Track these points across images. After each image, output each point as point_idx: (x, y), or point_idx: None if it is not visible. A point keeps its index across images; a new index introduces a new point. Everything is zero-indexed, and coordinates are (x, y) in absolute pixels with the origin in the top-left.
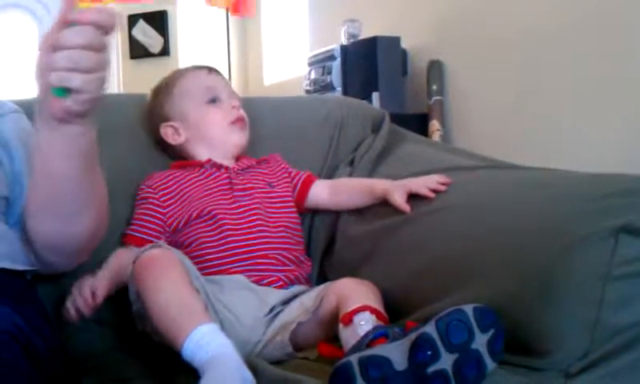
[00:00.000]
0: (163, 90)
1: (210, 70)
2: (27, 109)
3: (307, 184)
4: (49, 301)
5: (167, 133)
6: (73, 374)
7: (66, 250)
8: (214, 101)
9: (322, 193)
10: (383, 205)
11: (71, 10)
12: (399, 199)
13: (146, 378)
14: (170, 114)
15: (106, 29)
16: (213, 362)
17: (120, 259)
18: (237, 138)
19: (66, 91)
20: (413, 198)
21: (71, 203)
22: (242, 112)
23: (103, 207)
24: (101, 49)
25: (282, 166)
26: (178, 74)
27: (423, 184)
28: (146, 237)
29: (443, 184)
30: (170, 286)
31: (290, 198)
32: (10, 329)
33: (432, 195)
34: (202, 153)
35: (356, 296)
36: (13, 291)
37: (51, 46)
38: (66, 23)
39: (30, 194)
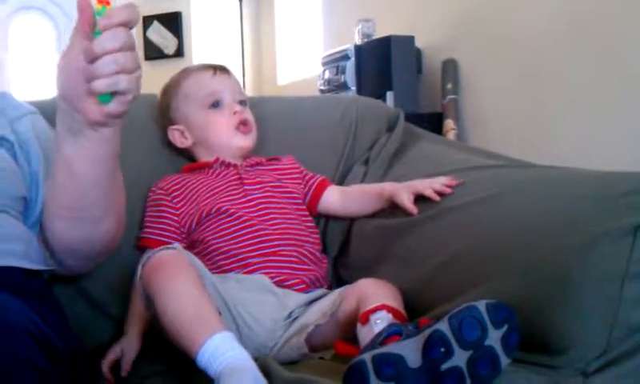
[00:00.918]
0: (169, 90)
1: (216, 70)
2: (43, 110)
3: (321, 189)
4: (66, 301)
5: (175, 136)
6: (93, 374)
7: (85, 254)
8: (216, 105)
9: (334, 200)
10: (398, 207)
11: (91, 17)
12: (406, 200)
13: (162, 375)
14: (176, 117)
15: (130, 25)
16: (228, 371)
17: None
18: (240, 142)
19: (111, 96)
20: (424, 199)
21: (96, 208)
22: (245, 115)
23: (122, 211)
24: (134, 46)
25: (296, 166)
26: (184, 75)
27: (429, 185)
28: (163, 239)
29: (449, 186)
30: (180, 291)
31: (298, 196)
32: (26, 325)
33: (437, 198)
34: (209, 155)
35: (375, 296)
36: (31, 291)
37: (86, 57)
38: (88, 31)
39: (55, 201)
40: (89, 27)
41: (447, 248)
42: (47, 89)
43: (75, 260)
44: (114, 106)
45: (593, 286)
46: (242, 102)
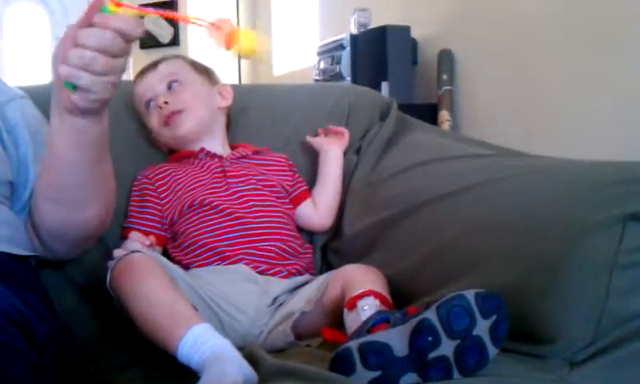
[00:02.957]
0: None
1: (143, 71)
2: (35, 95)
3: (299, 199)
4: (52, 288)
5: (154, 139)
6: (78, 360)
7: (70, 237)
8: (147, 106)
9: (310, 215)
10: (389, 196)
11: (97, 10)
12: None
13: (140, 364)
14: None
15: (127, 37)
16: (211, 359)
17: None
18: (177, 131)
19: (74, 86)
20: (416, 188)
21: (77, 191)
22: (170, 106)
23: (110, 199)
24: (117, 54)
25: (285, 162)
26: (133, 84)
27: None
28: (147, 229)
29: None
30: (151, 291)
31: (281, 189)
32: (7, 310)
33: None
34: (180, 147)
35: (361, 282)
36: (15, 276)
37: (71, 40)
38: (89, 22)
39: (40, 178)
40: (89, 18)
41: (437, 236)
42: (41, 75)
43: (61, 244)
44: (75, 98)
45: (581, 275)
46: (169, 85)
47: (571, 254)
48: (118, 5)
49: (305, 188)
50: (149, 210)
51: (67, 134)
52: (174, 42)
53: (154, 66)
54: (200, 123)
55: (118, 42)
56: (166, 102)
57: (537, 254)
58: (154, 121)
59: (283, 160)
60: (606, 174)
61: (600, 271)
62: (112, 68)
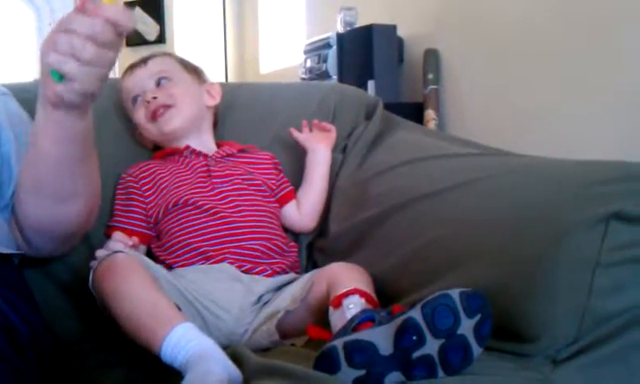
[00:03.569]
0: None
1: (132, 66)
2: (18, 93)
3: (283, 200)
4: (36, 286)
5: (141, 140)
6: (61, 360)
7: (53, 234)
8: (134, 101)
9: (294, 217)
10: (374, 195)
11: (89, 1)
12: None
13: (125, 364)
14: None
15: (120, 29)
16: (195, 358)
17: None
18: (164, 127)
19: (62, 77)
20: (401, 187)
21: (60, 187)
22: (157, 101)
23: (95, 196)
24: (107, 45)
25: (271, 161)
26: (121, 80)
27: None
28: (132, 227)
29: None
30: (133, 291)
31: (266, 188)
32: None
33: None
34: (167, 144)
35: (346, 280)
36: None
37: (62, 27)
38: (83, 10)
39: (22, 173)
40: (83, 8)
41: (421, 235)
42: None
43: (44, 240)
44: (60, 88)
45: (564, 274)
46: (158, 81)
47: (554, 253)
48: None
49: (289, 189)
50: (133, 209)
51: (51, 128)
52: (160, 39)
53: (143, 62)
54: (188, 120)
55: (109, 31)
56: (154, 98)
57: (520, 252)
58: (139, 115)
59: (268, 158)
60: (589, 173)
61: (583, 270)
62: (100, 59)
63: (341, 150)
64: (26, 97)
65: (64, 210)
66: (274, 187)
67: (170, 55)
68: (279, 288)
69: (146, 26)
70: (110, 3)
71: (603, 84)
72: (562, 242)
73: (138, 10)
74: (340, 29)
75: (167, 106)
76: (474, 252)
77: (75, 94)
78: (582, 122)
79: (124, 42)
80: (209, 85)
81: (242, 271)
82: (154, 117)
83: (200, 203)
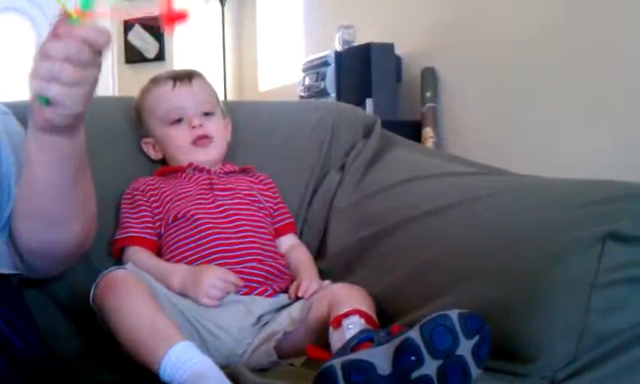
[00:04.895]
0: (138, 103)
1: (176, 80)
2: (17, 111)
3: (280, 232)
4: (35, 306)
5: (148, 149)
6: (60, 379)
7: (50, 256)
8: (175, 120)
9: (281, 246)
10: (372, 214)
11: (64, 22)
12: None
13: (130, 381)
14: (146, 130)
15: (95, 46)
16: (193, 378)
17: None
18: (200, 157)
19: (47, 101)
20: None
21: (55, 210)
22: (203, 130)
23: (91, 217)
24: (86, 64)
25: (271, 183)
26: (148, 88)
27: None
28: (146, 236)
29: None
30: (133, 308)
31: (265, 207)
32: None
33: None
34: (174, 163)
35: (347, 300)
36: None
37: (41, 54)
38: (58, 35)
39: (17, 196)
40: (57, 32)
41: (419, 254)
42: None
43: (40, 262)
44: (48, 113)
45: (561, 294)
46: (207, 113)
47: (551, 273)
48: (85, 15)
49: (288, 221)
50: (145, 218)
51: (43, 152)
52: (160, 56)
53: (187, 78)
54: (219, 155)
55: (85, 51)
56: (200, 125)
57: (518, 272)
58: (181, 135)
59: (266, 180)
60: (585, 193)
61: (580, 290)
62: (82, 78)
63: (339, 169)
64: (27, 115)
65: (60, 233)
66: (272, 210)
67: (205, 79)
68: (279, 309)
69: (145, 43)
70: (84, 21)
71: (601, 103)
72: (559, 262)
73: (137, 28)
74: (338, 47)
75: (210, 139)
76: (472, 271)
77: (63, 116)
78: (580, 141)
79: (122, 58)
80: (228, 120)
81: (242, 294)
82: (195, 143)
83: (198, 217)
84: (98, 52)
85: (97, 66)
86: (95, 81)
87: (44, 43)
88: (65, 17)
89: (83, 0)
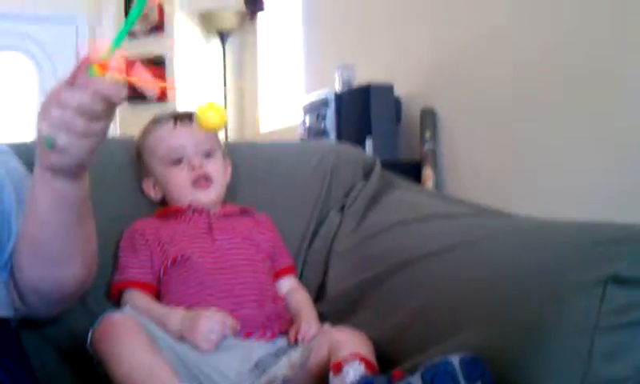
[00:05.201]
0: (139, 142)
1: (177, 120)
2: (20, 153)
3: (280, 274)
4: (32, 349)
5: (149, 188)
6: None
7: (51, 294)
8: (175, 161)
9: (284, 291)
10: (372, 256)
11: (84, 71)
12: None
13: None
14: (146, 170)
15: (110, 101)
16: None
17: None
18: (201, 198)
19: (52, 145)
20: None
21: (56, 250)
22: (204, 170)
23: (92, 258)
24: (98, 118)
25: (270, 226)
26: (149, 128)
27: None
28: (146, 279)
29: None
30: (131, 353)
31: (264, 248)
32: None
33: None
34: (174, 204)
35: (347, 345)
36: None
37: (55, 98)
38: (74, 83)
39: (20, 232)
40: (75, 79)
41: (420, 296)
42: (28, 131)
43: (39, 301)
44: (53, 157)
45: (563, 338)
46: (207, 154)
47: (553, 316)
48: (104, 68)
49: (288, 264)
50: (144, 261)
51: (47, 194)
52: (163, 98)
53: (188, 118)
54: (219, 196)
55: (99, 104)
56: (200, 165)
57: (519, 316)
58: (181, 176)
59: (266, 221)
60: (585, 235)
61: (582, 333)
62: (91, 131)
63: (339, 210)
64: (28, 156)
65: (59, 273)
66: (271, 252)
67: None
68: (278, 353)
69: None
70: (102, 73)
71: (603, 144)
72: (560, 306)
73: (137, 65)
74: (338, 87)
75: (210, 180)
76: (473, 315)
77: (66, 163)
78: (582, 182)
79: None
80: (228, 161)
81: (239, 339)
82: (195, 184)
83: (199, 261)
84: (110, 106)
85: (108, 119)
86: (104, 134)
87: (59, 89)
88: (85, 66)
89: (114, 40)
